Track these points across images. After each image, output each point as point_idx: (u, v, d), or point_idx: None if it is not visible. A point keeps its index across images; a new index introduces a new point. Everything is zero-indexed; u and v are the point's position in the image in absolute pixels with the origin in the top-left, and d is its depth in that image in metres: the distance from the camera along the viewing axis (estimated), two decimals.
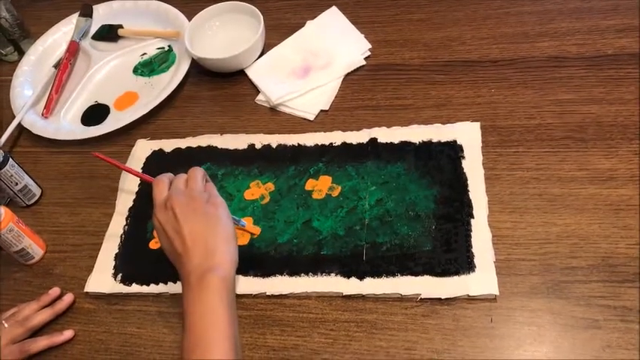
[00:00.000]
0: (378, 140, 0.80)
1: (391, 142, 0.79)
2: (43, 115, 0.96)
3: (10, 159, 0.81)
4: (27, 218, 0.80)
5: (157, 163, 0.86)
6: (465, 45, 0.89)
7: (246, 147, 0.84)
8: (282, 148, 0.83)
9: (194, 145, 0.86)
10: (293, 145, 0.83)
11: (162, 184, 0.68)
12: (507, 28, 0.89)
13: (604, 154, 0.74)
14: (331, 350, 0.65)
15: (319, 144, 0.82)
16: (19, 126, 0.95)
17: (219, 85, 0.94)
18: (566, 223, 0.69)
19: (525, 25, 0.89)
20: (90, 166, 0.89)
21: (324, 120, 0.86)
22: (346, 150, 0.81)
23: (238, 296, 0.71)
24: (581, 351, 0.61)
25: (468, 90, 0.84)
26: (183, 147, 0.87)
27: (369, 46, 0.92)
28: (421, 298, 0.66)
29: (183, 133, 0.89)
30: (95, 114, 0.96)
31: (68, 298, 0.75)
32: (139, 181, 0.84)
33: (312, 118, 0.86)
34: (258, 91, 0.91)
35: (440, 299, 0.66)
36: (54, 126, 0.94)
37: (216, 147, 0.85)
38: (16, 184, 0.82)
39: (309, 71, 0.91)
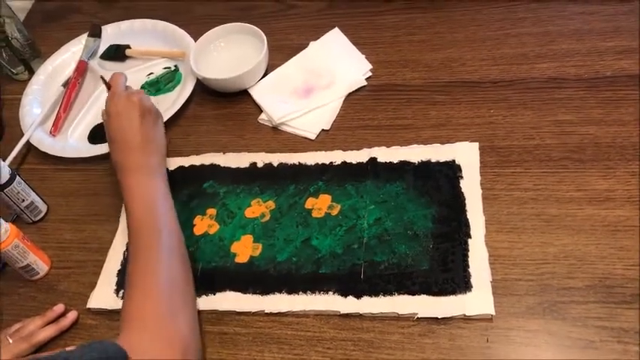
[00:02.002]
0: (378, 160, 0.81)
1: (390, 162, 0.80)
2: (50, 133, 0.98)
3: (18, 176, 0.83)
4: (32, 234, 0.82)
5: None
6: (465, 66, 0.90)
7: (248, 165, 0.86)
8: (283, 166, 0.84)
9: (197, 164, 0.88)
10: (294, 164, 0.84)
11: (123, 77, 0.84)
12: (507, 49, 0.90)
13: (602, 175, 0.74)
14: None
15: (320, 163, 0.83)
16: (28, 143, 0.96)
17: (223, 105, 0.96)
18: (564, 244, 0.69)
19: (525, 47, 0.90)
20: (95, 183, 0.91)
21: (325, 139, 0.87)
22: (346, 169, 0.82)
23: (237, 313, 0.72)
24: None
25: (467, 110, 0.85)
26: (187, 165, 0.88)
27: (370, 66, 0.93)
28: (418, 318, 0.67)
29: (187, 151, 0.90)
30: (102, 132, 0.96)
31: (72, 315, 0.76)
32: None
33: (313, 137, 0.87)
34: (261, 111, 0.92)
35: (436, 318, 0.66)
36: (61, 144, 0.96)
37: (218, 165, 0.87)
38: (23, 200, 0.84)
39: (311, 91, 0.92)
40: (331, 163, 0.83)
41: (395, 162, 0.80)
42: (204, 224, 0.81)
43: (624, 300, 0.64)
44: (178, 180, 0.86)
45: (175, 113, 0.94)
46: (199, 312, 0.71)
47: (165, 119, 0.92)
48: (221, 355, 0.69)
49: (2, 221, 0.75)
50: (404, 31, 0.98)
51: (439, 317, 0.66)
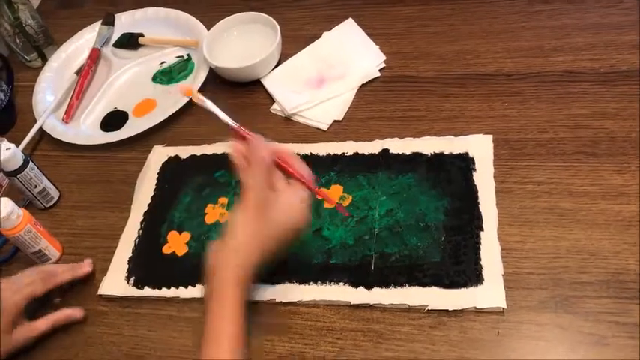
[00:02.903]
0: (390, 151, 0.81)
1: (403, 154, 0.80)
2: (63, 120, 0.98)
3: (31, 162, 0.83)
4: (44, 220, 0.82)
5: (172, 170, 0.87)
6: (479, 58, 0.89)
7: None
8: None
9: (209, 153, 0.88)
10: (306, 155, 0.84)
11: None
12: (522, 42, 0.90)
13: (616, 170, 0.73)
14: (338, 359, 0.66)
15: (331, 154, 0.83)
16: (40, 130, 0.97)
17: (235, 94, 0.96)
18: (577, 238, 0.69)
19: (541, 40, 0.89)
20: (107, 171, 0.91)
21: (338, 130, 0.87)
22: (358, 160, 0.81)
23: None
24: None
25: (481, 103, 0.84)
26: (199, 154, 0.88)
27: (384, 57, 0.93)
28: (428, 309, 0.67)
29: (199, 140, 0.90)
30: (114, 120, 0.98)
31: (88, 263, 0.78)
32: (155, 186, 0.85)
33: (325, 128, 0.87)
34: (273, 101, 0.92)
35: (447, 311, 0.66)
36: (74, 131, 0.96)
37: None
38: (36, 186, 0.85)
39: (324, 82, 0.92)
40: (343, 154, 0.82)
41: (407, 154, 0.80)
42: (216, 213, 0.81)
43: (637, 295, 0.64)
44: (190, 168, 0.86)
45: (187, 102, 0.94)
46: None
47: (177, 108, 0.93)
48: None
49: (15, 206, 0.75)
50: (418, 23, 0.97)
51: (450, 309, 0.66)
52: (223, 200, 0.82)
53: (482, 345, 0.64)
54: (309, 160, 0.83)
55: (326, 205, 0.77)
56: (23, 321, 0.71)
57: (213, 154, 0.87)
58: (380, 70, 0.92)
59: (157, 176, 0.87)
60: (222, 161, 0.86)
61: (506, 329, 0.64)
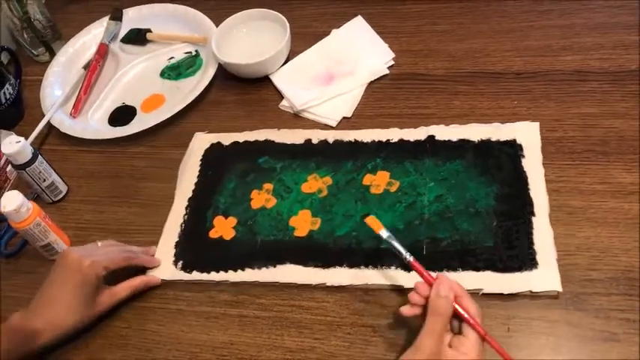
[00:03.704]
0: (436, 138, 0.81)
1: (449, 140, 0.80)
2: (71, 114, 0.98)
3: (40, 155, 0.83)
4: (53, 214, 0.82)
5: (215, 156, 0.88)
6: (488, 57, 0.90)
7: (302, 142, 0.86)
8: (338, 143, 0.84)
9: (251, 139, 0.88)
10: (350, 141, 0.84)
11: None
12: (532, 41, 0.90)
13: (626, 169, 0.73)
14: (348, 354, 0.66)
15: (376, 140, 0.83)
16: (48, 124, 0.97)
17: (244, 90, 0.96)
18: (586, 236, 0.69)
19: (550, 39, 0.89)
20: (115, 165, 0.91)
21: (346, 127, 0.87)
22: (403, 147, 0.81)
23: (257, 295, 0.72)
24: None
25: (490, 101, 0.84)
26: (241, 141, 0.88)
27: (393, 55, 0.93)
28: (484, 293, 0.66)
29: None
30: (122, 115, 0.98)
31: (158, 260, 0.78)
32: (198, 173, 0.86)
33: (334, 124, 0.87)
34: (282, 97, 0.92)
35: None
36: (82, 125, 0.96)
37: (273, 141, 0.87)
38: (44, 180, 0.84)
39: (332, 78, 0.92)
40: (388, 140, 0.83)
41: (454, 140, 0.80)
42: (262, 198, 0.81)
43: None
44: (233, 154, 0.87)
45: (196, 97, 0.94)
46: (261, 284, 0.73)
47: (186, 103, 0.93)
48: (240, 338, 0.69)
49: (25, 199, 0.75)
50: (427, 21, 0.97)
51: (505, 294, 0.66)
52: (268, 186, 0.82)
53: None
54: (354, 146, 0.83)
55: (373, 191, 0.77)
56: (104, 288, 0.72)
57: (256, 141, 0.88)
58: (389, 68, 0.92)
59: (199, 163, 0.87)
60: (264, 147, 0.87)
61: (517, 325, 0.64)
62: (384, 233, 0.64)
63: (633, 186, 0.72)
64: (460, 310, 0.59)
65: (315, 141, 0.85)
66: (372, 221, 0.65)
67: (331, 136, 0.85)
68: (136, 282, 0.74)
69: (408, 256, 0.63)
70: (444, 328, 0.58)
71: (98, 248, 0.74)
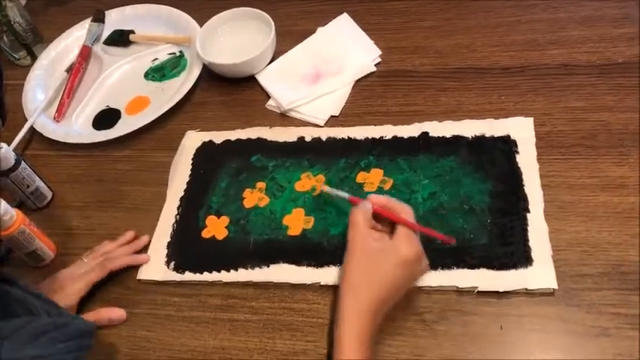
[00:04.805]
0: (430, 134, 0.80)
1: (443, 136, 0.80)
2: (54, 118, 0.97)
3: (23, 161, 0.82)
4: (38, 221, 0.80)
5: (206, 155, 0.87)
6: (475, 52, 0.89)
7: (295, 139, 0.85)
8: (331, 141, 0.83)
9: (244, 137, 0.87)
10: (343, 139, 0.83)
11: None
12: (518, 36, 0.90)
13: (615, 162, 0.73)
14: None
15: (369, 137, 0.82)
16: (31, 129, 0.95)
17: (229, 91, 0.95)
18: (577, 231, 0.69)
19: (536, 33, 0.89)
20: (100, 169, 0.90)
21: (334, 125, 0.86)
22: (397, 143, 0.81)
23: (248, 299, 0.71)
24: (592, 359, 0.60)
25: (478, 97, 0.84)
26: (233, 139, 0.87)
27: (380, 52, 0.92)
28: (478, 291, 0.66)
29: None
30: (106, 118, 0.96)
31: (144, 238, 0.79)
32: (190, 171, 0.85)
33: (322, 123, 0.86)
34: (268, 97, 0.91)
35: (450, 308, 0.66)
36: (65, 129, 0.95)
37: (265, 139, 0.86)
38: (28, 186, 0.83)
39: (319, 77, 0.91)
40: (381, 137, 0.82)
41: (448, 136, 0.80)
42: (255, 197, 0.80)
43: (638, 287, 0.64)
44: (225, 153, 0.86)
45: (182, 99, 0.93)
46: (252, 284, 0.73)
47: (171, 105, 0.92)
48: (231, 343, 0.69)
49: (8, 206, 0.74)
50: (414, 17, 0.97)
51: (500, 291, 0.65)
52: (261, 185, 0.81)
53: (485, 339, 0.63)
54: (347, 143, 0.82)
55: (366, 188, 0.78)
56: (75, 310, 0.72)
57: (248, 139, 0.87)
58: (376, 65, 0.91)
59: (191, 161, 0.86)
60: (256, 146, 0.86)
61: (509, 322, 0.64)
62: (325, 187, 0.73)
63: (623, 179, 0.72)
64: (383, 211, 0.66)
65: (307, 139, 0.85)
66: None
67: (324, 133, 0.84)
68: (100, 314, 0.73)
69: (346, 195, 0.70)
70: (364, 219, 0.65)
71: (81, 266, 0.75)
